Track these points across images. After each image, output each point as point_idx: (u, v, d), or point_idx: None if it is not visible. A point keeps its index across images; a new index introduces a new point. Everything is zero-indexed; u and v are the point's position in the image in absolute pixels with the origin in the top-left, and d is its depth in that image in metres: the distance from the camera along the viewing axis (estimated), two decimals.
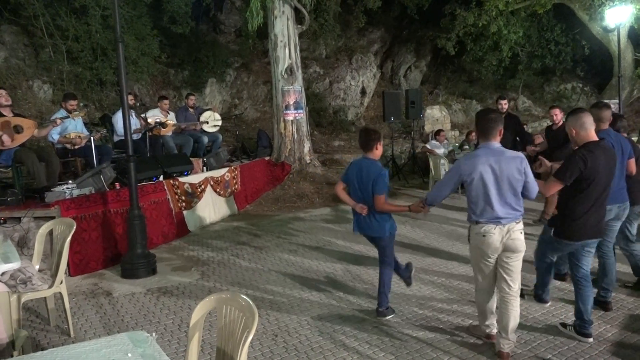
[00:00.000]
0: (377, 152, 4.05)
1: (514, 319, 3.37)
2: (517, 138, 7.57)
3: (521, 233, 3.31)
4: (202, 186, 7.84)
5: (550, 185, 3.53)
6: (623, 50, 12.34)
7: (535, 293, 4.40)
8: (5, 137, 5.91)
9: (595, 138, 3.51)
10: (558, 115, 6.95)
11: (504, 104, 7.55)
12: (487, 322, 3.64)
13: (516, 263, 3.36)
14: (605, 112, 4.16)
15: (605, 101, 5.42)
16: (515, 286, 3.38)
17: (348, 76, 15.38)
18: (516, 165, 3.23)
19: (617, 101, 11.34)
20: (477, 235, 3.33)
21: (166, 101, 9.01)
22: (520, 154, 3.32)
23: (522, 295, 3.80)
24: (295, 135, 10.53)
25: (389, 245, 4.15)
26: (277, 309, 4.46)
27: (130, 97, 8.08)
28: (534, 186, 3.32)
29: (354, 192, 4.07)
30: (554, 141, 6.77)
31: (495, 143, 3.30)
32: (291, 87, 10.39)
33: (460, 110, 15.86)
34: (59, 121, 6.55)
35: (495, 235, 3.26)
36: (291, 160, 10.44)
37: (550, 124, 7.13)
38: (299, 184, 10.04)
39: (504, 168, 3.21)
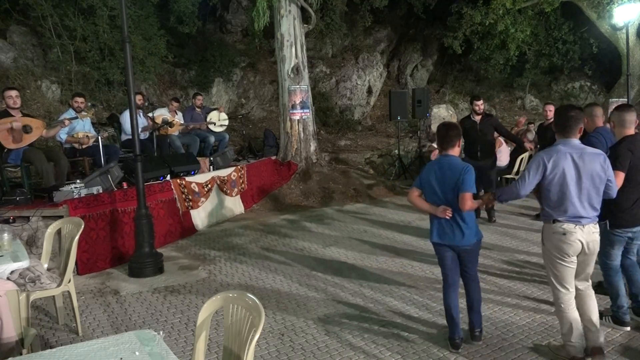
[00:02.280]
0: (458, 149, 3.60)
1: (596, 309, 3.31)
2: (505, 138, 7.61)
3: (598, 235, 3.22)
4: (209, 185, 7.86)
5: (618, 178, 3.47)
6: (631, 49, 12.24)
7: (613, 312, 3.85)
8: (16, 124, 5.94)
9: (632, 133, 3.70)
10: (551, 112, 6.91)
11: (480, 105, 7.25)
12: (572, 340, 3.23)
13: (592, 264, 3.28)
14: (597, 110, 4.37)
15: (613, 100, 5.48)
16: (590, 281, 3.35)
17: (354, 75, 15.36)
18: (600, 162, 3.14)
19: (626, 99, 11.25)
20: (556, 234, 3.18)
21: (177, 104, 9.08)
22: (601, 152, 3.25)
23: (600, 317, 3.51)
24: (302, 135, 10.53)
25: (477, 255, 3.67)
26: (284, 308, 4.47)
27: (139, 97, 8.14)
28: (615, 184, 3.27)
29: (431, 196, 3.55)
30: (544, 138, 6.74)
31: (575, 140, 3.20)
32: (297, 86, 10.39)
33: (467, 109, 15.78)
34: (67, 122, 6.60)
35: (577, 234, 3.13)
36: (297, 160, 10.44)
37: (542, 120, 7.07)
38: (305, 183, 10.04)
39: (587, 165, 3.11)
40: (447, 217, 3.44)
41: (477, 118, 7.27)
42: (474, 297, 3.64)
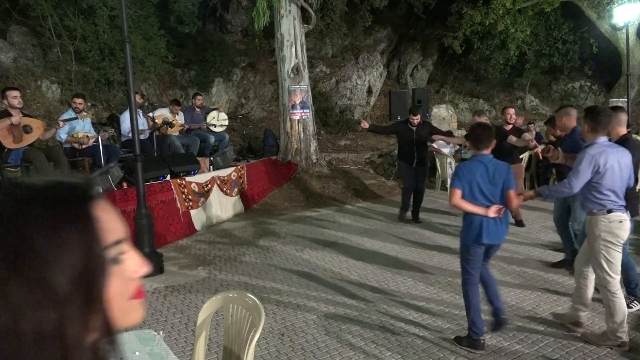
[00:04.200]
0: (491, 149, 3.64)
1: None
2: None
3: None
4: (209, 185, 7.86)
5: None
6: (631, 49, 12.24)
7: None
8: (15, 119, 5.93)
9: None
10: (512, 116, 7.03)
11: (416, 119, 7.46)
12: (624, 326, 3.46)
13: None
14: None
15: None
16: None
17: (354, 75, 15.35)
18: (629, 157, 3.53)
19: (626, 99, 11.26)
20: (613, 223, 3.44)
21: (178, 107, 9.07)
22: (625, 148, 3.61)
23: (628, 306, 3.87)
24: (302, 135, 10.53)
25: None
26: (284, 307, 4.47)
27: (138, 96, 8.13)
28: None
29: (476, 196, 3.49)
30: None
31: (605, 137, 3.55)
32: (297, 86, 10.39)
33: (467, 110, 15.81)
34: (61, 123, 6.60)
35: (628, 221, 3.49)
36: (297, 160, 10.44)
37: (504, 124, 7.10)
38: (305, 183, 10.04)
39: (624, 159, 3.49)
40: (498, 216, 3.49)
41: (414, 128, 7.56)
42: (494, 283, 3.79)
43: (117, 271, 0.66)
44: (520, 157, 9.41)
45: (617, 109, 4.39)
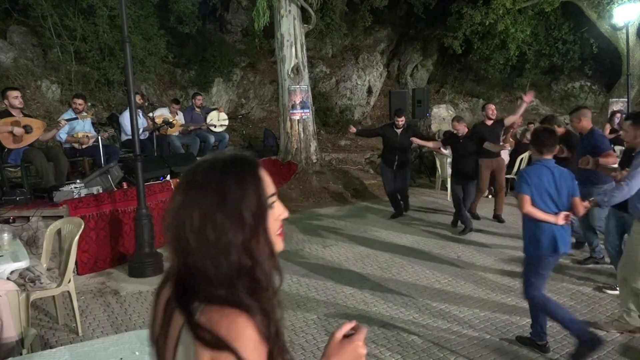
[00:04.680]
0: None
1: None
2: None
3: None
4: None
5: None
6: (632, 49, 12.24)
7: None
8: (17, 130, 5.94)
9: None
10: (462, 128, 7.04)
11: (401, 121, 7.70)
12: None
13: None
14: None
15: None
16: None
17: (354, 75, 15.35)
18: None
19: (626, 99, 11.25)
20: None
21: (177, 106, 9.08)
22: None
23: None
24: (302, 135, 10.53)
25: None
26: (284, 308, 4.46)
27: (138, 96, 8.14)
28: None
29: (546, 202, 3.35)
30: (464, 149, 6.94)
31: None
32: (297, 86, 10.39)
33: (467, 109, 15.79)
34: (63, 123, 6.59)
35: None
36: (297, 160, 10.44)
37: (455, 132, 7.09)
38: (305, 183, 10.04)
39: None
40: (565, 224, 3.37)
41: (399, 130, 7.73)
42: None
43: (271, 213, 1.01)
44: (521, 156, 9.43)
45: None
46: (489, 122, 7.38)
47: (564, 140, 5.64)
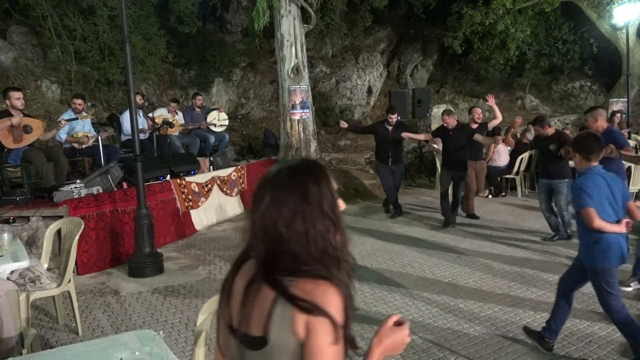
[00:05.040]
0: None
1: None
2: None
3: None
4: (209, 185, 7.86)
5: None
6: (632, 49, 12.23)
7: None
8: (15, 120, 5.91)
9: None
10: (452, 121, 7.25)
11: (393, 118, 7.88)
12: None
13: None
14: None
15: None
16: None
17: (354, 75, 15.35)
18: None
19: (626, 100, 11.25)
20: None
21: (175, 104, 9.08)
22: None
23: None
24: (302, 135, 10.53)
25: None
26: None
27: (139, 97, 8.14)
28: None
29: (608, 213, 3.22)
30: (454, 142, 7.18)
31: None
32: (297, 86, 10.38)
33: (467, 109, 15.77)
34: (63, 123, 6.58)
35: None
36: None
37: (446, 125, 7.28)
38: None
39: None
40: (627, 230, 3.25)
41: (390, 127, 7.91)
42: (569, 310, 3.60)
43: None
44: (521, 156, 9.44)
45: None
46: (474, 125, 7.60)
47: (556, 139, 6.26)
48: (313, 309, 1.10)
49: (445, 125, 7.24)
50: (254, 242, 1.23)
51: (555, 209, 6.40)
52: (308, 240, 1.16)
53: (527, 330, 3.65)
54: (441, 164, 7.62)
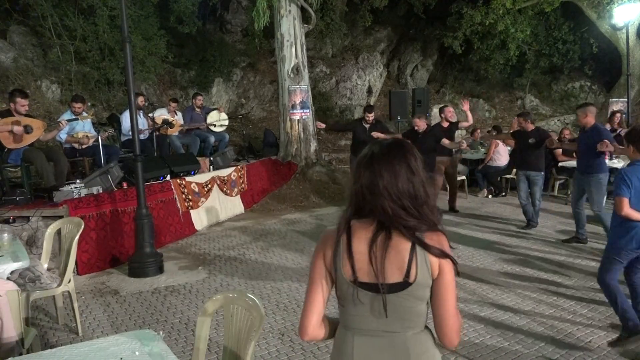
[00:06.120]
0: None
1: None
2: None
3: None
4: (209, 185, 7.86)
5: None
6: (632, 49, 12.24)
7: None
8: (16, 128, 5.94)
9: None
10: (422, 125, 7.51)
11: (370, 116, 8.31)
12: None
13: None
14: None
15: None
16: None
17: (354, 75, 15.35)
18: None
19: (626, 100, 11.25)
20: None
21: (175, 104, 9.08)
22: None
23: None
24: (302, 135, 10.53)
25: None
26: (284, 307, 4.47)
27: (141, 98, 8.15)
28: None
29: (638, 204, 3.42)
30: (422, 145, 7.28)
31: None
32: (297, 86, 10.39)
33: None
34: (63, 123, 6.59)
35: None
36: (297, 160, 10.44)
37: (416, 128, 7.51)
38: (305, 183, 10.04)
39: None
40: None
41: (367, 126, 8.27)
42: None
43: None
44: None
45: None
46: (445, 124, 7.91)
47: (535, 134, 6.86)
48: (443, 254, 1.45)
49: (416, 128, 7.43)
50: (367, 206, 1.50)
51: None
52: (420, 202, 1.47)
53: (612, 344, 3.57)
54: None
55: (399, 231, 1.45)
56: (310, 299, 1.58)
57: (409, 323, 1.51)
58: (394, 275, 1.45)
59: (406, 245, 1.44)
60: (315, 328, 1.58)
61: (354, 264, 1.47)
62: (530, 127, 6.97)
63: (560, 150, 8.91)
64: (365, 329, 1.53)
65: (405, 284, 1.45)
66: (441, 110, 8.27)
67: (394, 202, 1.45)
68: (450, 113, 8.15)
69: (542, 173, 6.91)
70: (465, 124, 8.25)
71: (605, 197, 5.94)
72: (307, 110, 10.62)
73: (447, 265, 1.46)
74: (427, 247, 1.44)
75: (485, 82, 16.55)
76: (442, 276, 1.46)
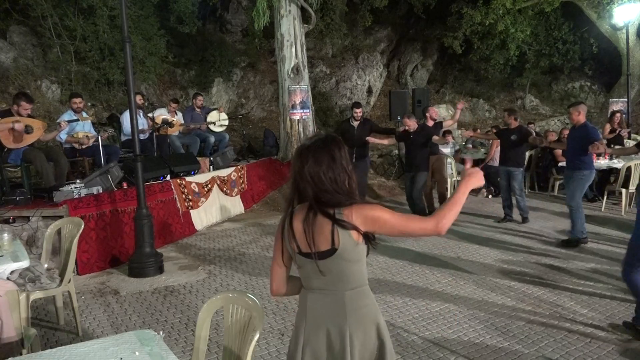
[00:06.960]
0: None
1: None
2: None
3: None
4: (209, 185, 7.86)
5: None
6: (631, 49, 12.24)
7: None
8: (18, 125, 5.92)
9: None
10: (413, 124, 7.53)
11: (359, 112, 8.12)
12: None
13: None
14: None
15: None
16: None
17: (354, 75, 15.36)
18: None
19: (626, 100, 11.26)
20: None
21: (175, 104, 9.07)
22: None
23: None
24: (302, 135, 10.53)
25: None
26: (284, 307, 4.47)
27: (139, 97, 8.13)
28: None
29: None
30: (413, 143, 7.48)
31: None
32: (297, 86, 10.39)
33: (467, 110, 15.79)
34: (63, 124, 6.58)
35: None
36: None
37: (407, 127, 7.50)
38: None
39: None
40: None
41: (356, 123, 8.12)
42: None
43: None
44: (527, 156, 9.46)
45: None
46: (430, 123, 7.95)
47: (518, 132, 7.13)
48: (351, 227, 1.72)
49: (407, 128, 7.44)
50: (302, 191, 1.81)
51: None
52: (339, 185, 1.78)
53: (625, 324, 3.75)
54: (405, 165, 8.03)
55: (320, 211, 1.75)
56: (272, 270, 1.99)
57: (346, 282, 1.80)
58: (323, 245, 1.76)
59: (328, 221, 1.74)
60: (278, 290, 1.97)
61: (296, 239, 1.81)
62: (514, 124, 7.23)
63: (560, 151, 8.91)
64: (315, 287, 1.86)
65: (332, 251, 1.75)
66: (425, 110, 8.33)
67: (316, 185, 1.76)
68: (435, 112, 8.23)
69: (521, 169, 7.21)
70: (449, 122, 8.38)
71: (582, 194, 6.13)
72: (307, 110, 10.62)
73: (369, 219, 1.74)
74: (338, 223, 1.72)
75: (485, 82, 16.56)
76: (372, 225, 1.75)
